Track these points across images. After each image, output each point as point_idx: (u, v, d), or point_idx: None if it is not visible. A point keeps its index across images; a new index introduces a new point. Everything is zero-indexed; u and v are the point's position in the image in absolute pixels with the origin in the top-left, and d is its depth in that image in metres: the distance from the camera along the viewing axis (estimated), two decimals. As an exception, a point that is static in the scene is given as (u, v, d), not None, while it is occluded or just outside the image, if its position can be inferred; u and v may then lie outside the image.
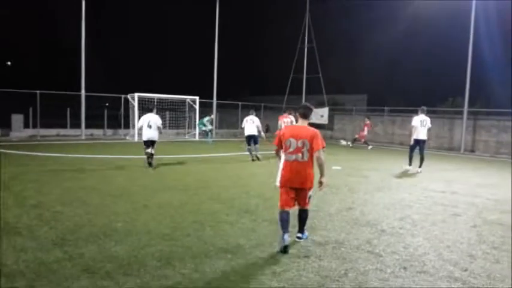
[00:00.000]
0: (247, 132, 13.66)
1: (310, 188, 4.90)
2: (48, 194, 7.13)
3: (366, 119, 21.30)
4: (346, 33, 31.87)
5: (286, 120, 13.77)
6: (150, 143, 11.02)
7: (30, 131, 19.98)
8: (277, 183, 5.06)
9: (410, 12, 26.76)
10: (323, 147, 4.78)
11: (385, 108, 26.41)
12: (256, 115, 14.21)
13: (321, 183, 4.82)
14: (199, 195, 7.62)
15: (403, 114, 25.13)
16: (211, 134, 20.13)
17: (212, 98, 25.10)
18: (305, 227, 5.16)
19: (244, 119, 13.97)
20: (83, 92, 20.30)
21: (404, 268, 4.36)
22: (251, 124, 13.59)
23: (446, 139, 22.14)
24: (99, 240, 4.79)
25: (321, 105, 29.29)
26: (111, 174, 9.73)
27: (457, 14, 21.44)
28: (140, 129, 11.36)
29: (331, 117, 28.31)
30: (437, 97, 25.99)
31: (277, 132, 7.88)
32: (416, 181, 10.54)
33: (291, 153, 4.80)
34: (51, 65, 37.24)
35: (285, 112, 15.12)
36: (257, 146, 13.72)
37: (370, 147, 20.73)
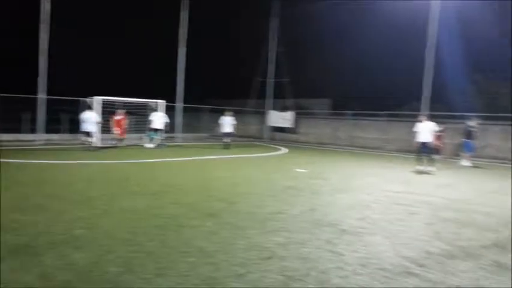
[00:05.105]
0: (225, 130, 19.69)
1: None
2: (3, 201, 6.83)
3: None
4: (313, 37, 32.28)
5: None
6: (88, 134, 16.17)
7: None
8: None
9: (377, 16, 27.52)
10: None
11: (347, 112, 27.05)
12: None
13: None
14: (162, 199, 7.55)
15: (363, 118, 25.85)
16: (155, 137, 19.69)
17: (178, 102, 24.88)
18: None
19: (223, 119, 19.72)
20: (41, 95, 19.61)
21: (364, 265, 4.50)
22: (229, 124, 19.66)
23: (407, 142, 22.79)
24: (59, 247, 4.66)
25: (286, 109, 29.64)
26: (70, 180, 9.44)
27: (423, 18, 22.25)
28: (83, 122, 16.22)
29: (296, 121, 28.69)
30: (398, 101, 26.78)
31: None
32: (376, 182, 10.86)
33: None
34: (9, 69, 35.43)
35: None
36: (231, 138, 20.00)
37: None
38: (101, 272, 4.02)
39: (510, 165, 16.37)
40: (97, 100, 17.96)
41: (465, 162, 16.17)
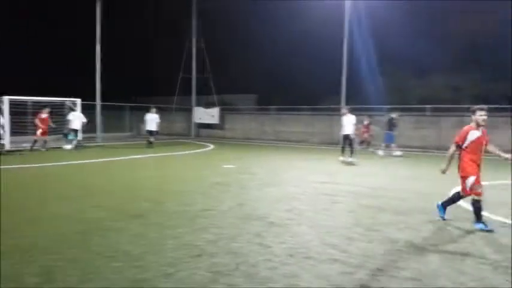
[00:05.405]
0: (149, 128, 19.37)
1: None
2: None
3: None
4: (237, 34, 32.45)
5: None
6: None
7: None
8: None
9: (296, 15, 28.40)
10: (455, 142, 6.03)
11: (272, 107, 27.61)
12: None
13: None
14: (85, 203, 7.14)
15: (287, 112, 26.58)
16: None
17: (97, 100, 23.61)
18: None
19: (148, 117, 19.39)
20: None
21: (292, 255, 4.64)
22: (154, 122, 19.35)
23: (329, 134, 23.80)
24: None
25: (211, 105, 29.52)
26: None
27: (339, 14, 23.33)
28: None
29: (222, 117, 28.71)
30: (319, 96, 27.86)
31: None
32: (302, 174, 11.24)
33: None
34: None
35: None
36: (155, 136, 19.69)
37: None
38: (17, 284, 3.71)
39: (421, 153, 17.83)
40: (3, 100, 16.46)
41: (382, 152, 17.27)
